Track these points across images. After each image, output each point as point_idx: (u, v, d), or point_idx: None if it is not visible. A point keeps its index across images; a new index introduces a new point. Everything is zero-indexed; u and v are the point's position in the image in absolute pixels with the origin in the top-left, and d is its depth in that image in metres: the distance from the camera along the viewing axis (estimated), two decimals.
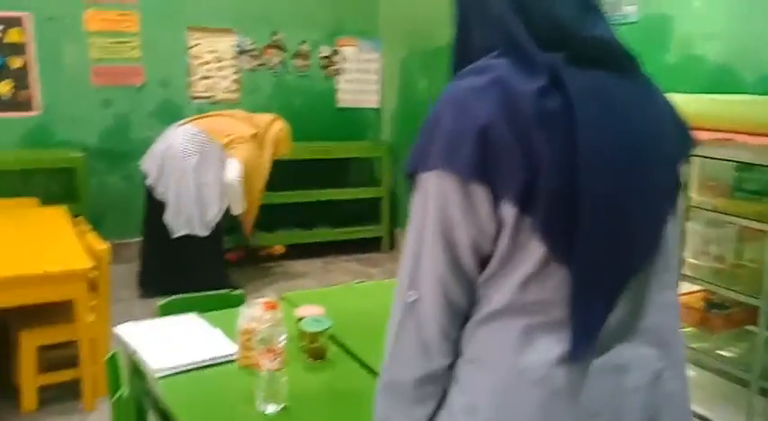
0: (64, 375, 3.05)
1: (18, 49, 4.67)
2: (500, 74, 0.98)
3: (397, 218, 5.68)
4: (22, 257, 2.96)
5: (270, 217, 5.05)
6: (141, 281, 4.59)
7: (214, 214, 4.37)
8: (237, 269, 4.85)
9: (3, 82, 4.67)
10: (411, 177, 1.06)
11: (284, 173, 5.06)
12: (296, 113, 5.08)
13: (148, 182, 4.34)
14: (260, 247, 5.23)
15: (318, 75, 5.63)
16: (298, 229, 5.42)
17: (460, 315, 1.05)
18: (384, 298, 2.43)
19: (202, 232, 4.37)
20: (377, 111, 5.83)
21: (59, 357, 3.11)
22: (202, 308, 2.27)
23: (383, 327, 2.19)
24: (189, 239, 4.35)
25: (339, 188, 5.57)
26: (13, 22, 4.63)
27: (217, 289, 4.08)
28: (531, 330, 1.00)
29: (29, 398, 2.96)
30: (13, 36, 4.64)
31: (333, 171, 5.64)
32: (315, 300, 2.22)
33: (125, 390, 1.68)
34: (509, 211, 0.97)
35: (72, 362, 3.04)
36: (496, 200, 0.97)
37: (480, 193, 0.97)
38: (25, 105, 4.76)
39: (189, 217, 4.32)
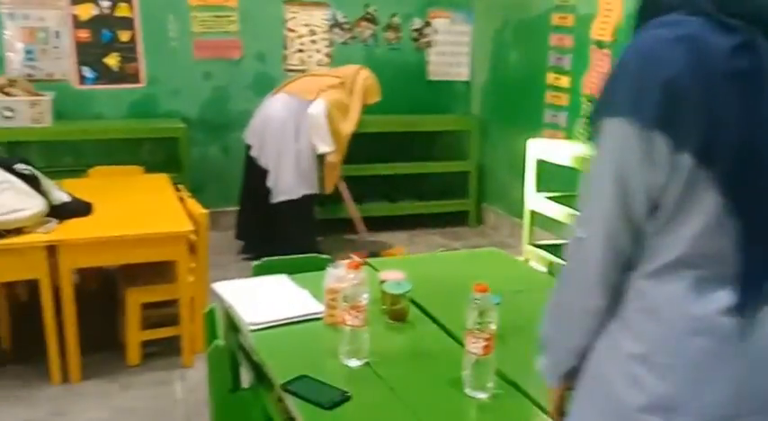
0: (165, 332, 3.27)
1: (126, 23, 4.93)
2: (692, 29, 1.02)
3: (485, 192, 5.67)
4: (129, 220, 3.17)
5: (357, 189, 5.15)
6: (240, 246, 4.82)
7: (311, 171, 4.47)
8: (326, 238, 4.99)
9: (111, 55, 4.95)
10: (595, 124, 1.10)
11: (373, 145, 5.14)
12: (386, 86, 5.12)
13: (252, 153, 4.50)
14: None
15: (409, 47, 5.65)
16: (385, 202, 5.50)
17: (624, 262, 1.10)
18: (465, 266, 2.50)
19: (303, 191, 4.45)
20: (467, 84, 5.80)
21: (161, 315, 3.33)
22: (292, 269, 2.39)
23: (463, 294, 2.24)
24: (284, 208, 4.48)
25: (427, 161, 5.60)
26: None
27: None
28: (701, 282, 1.05)
29: (133, 352, 3.19)
30: (121, 10, 4.90)
31: (422, 144, 5.67)
32: (397, 267, 2.29)
33: (221, 341, 1.81)
34: (686, 163, 1.01)
35: (172, 321, 3.25)
36: (675, 150, 1.01)
37: (660, 143, 1.01)
38: (132, 78, 5.03)
39: (290, 182, 4.44)
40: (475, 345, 1.53)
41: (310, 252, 4.32)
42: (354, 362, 1.72)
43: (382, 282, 2.04)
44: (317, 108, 4.40)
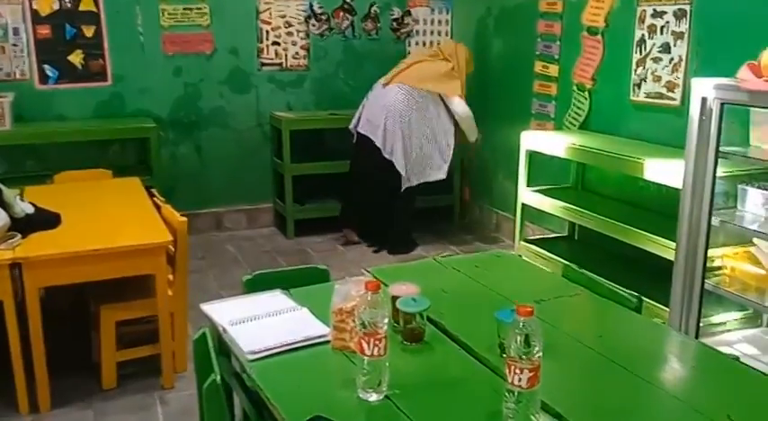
0: (143, 351, 3.01)
1: (90, 17, 4.61)
2: None
3: (469, 186, 5.48)
4: (100, 231, 2.90)
5: (335, 184, 4.93)
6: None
7: (448, 155, 4.72)
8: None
9: (75, 52, 4.64)
10: None
11: (347, 140, 4.91)
12: (365, 78, 4.91)
13: (377, 143, 4.55)
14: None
15: (389, 37, 5.43)
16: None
17: None
18: (476, 273, 2.31)
19: (440, 175, 4.72)
20: None
21: (138, 333, 3.08)
22: (288, 283, 2.18)
23: (477, 305, 2.05)
24: (398, 196, 4.64)
25: None
26: None
27: (405, 245, 4.76)
28: None
29: (108, 374, 2.93)
30: (86, 4, 4.59)
31: None
32: (402, 276, 2.09)
33: (217, 376, 1.58)
34: None
35: (150, 338, 3.00)
36: None
37: None
38: (98, 76, 4.73)
39: (420, 168, 4.63)
40: (519, 377, 1.32)
41: (409, 240, 4.84)
42: (374, 397, 1.51)
43: (394, 298, 1.82)
44: (461, 107, 4.68)
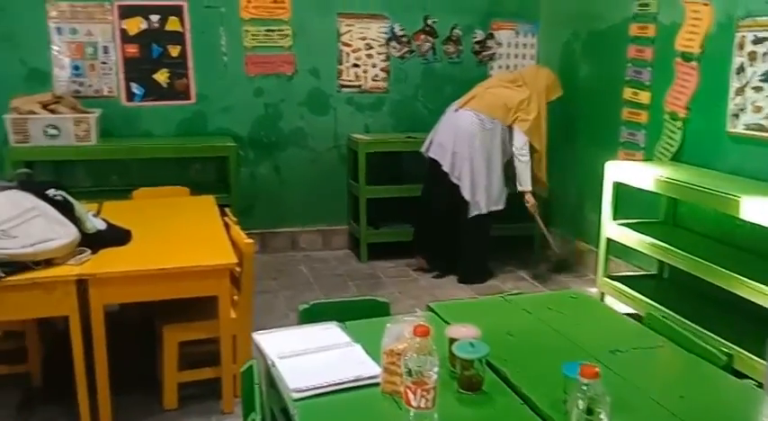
0: (204, 373, 2.98)
1: (176, 37, 4.73)
2: None
3: (551, 215, 5.26)
4: (168, 250, 2.90)
5: (414, 210, 4.83)
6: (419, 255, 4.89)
7: (499, 190, 4.56)
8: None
9: (161, 71, 4.76)
10: None
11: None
12: (445, 103, 4.80)
13: (444, 168, 4.47)
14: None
15: (471, 61, 5.31)
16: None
17: None
18: (547, 316, 2.14)
19: (499, 206, 4.57)
20: None
21: (202, 353, 3.05)
22: (344, 315, 2.08)
23: (546, 353, 1.87)
24: (469, 223, 4.51)
25: None
26: (173, 11, 4.70)
27: (478, 274, 4.63)
28: None
29: (170, 394, 2.91)
30: (172, 24, 4.71)
31: None
32: (465, 315, 1.95)
33: (257, 415, 1.49)
34: None
35: (213, 360, 2.96)
36: None
37: None
38: (181, 94, 4.83)
39: (488, 195, 4.50)
40: None
41: (484, 269, 4.66)
42: None
43: (452, 341, 1.69)
44: (518, 149, 4.48)
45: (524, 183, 4.54)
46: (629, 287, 3.82)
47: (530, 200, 4.61)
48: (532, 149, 4.53)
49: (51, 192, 2.76)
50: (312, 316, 2.10)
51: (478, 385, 1.63)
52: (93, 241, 2.78)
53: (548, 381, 1.64)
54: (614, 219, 3.94)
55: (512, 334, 1.97)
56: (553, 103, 4.73)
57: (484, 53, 5.32)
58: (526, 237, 5.23)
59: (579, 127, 4.93)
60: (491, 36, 5.31)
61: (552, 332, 2.01)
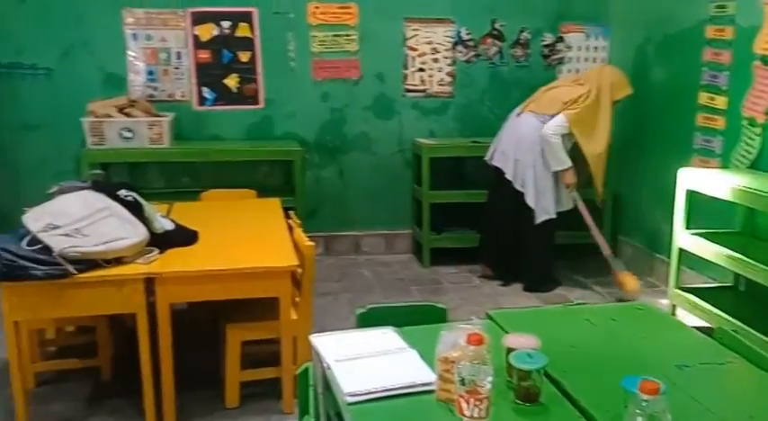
0: (266, 373, 3.02)
1: (246, 43, 4.84)
2: None
3: (621, 223, 5.12)
4: (232, 251, 2.95)
5: (474, 215, 4.78)
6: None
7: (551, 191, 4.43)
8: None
9: (231, 76, 4.87)
10: None
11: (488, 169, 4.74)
12: (512, 107, 4.72)
13: (507, 176, 4.42)
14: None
15: (539, 64, 5.22)
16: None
17: None
18: (610, 327, 2.08)
19: (566, 207, 4.47)
20: None
21: (265, 353, 3.10)
22: (402, 320, 2.07)
23: (607, 366, 1.82)
24: (533, 229, 4.43)
25: None
26: (243, 18, 4.80)
27: (543, 282, 4.54)
28: None
29: (232, 393, 2.97)
30: (242, 30, 4.82)
31: None
32: (526, 324, 1.91)
33: (311, 418, 1.49)
34: None
35: (275, 360, 3.00)
36: None
37: None
38: (250, 99, 4.93)
39: (549, 201, 4.40)
40: None
41: (549, 278, 4.56)
42: None
43: (509, 350, 1.66)
44: (550, 128, 4.29)
45: (558, 162, 4.32)
46: (703, 299, 3.67)
47: (569, 178, 4.38)
48: (581, 146, 4.36)
49: (123, 192, 2.86)
50: (370, 320, 2.10)
51: (536, 396, 1.59)
52: (161, 241, 2.86)
53: (608, 395, 1.59)
54: (687, 228, 3.80)
55: (574, 345, 1.92)
56: (623, 107, 4.60)
57: (553, 57, 5.23)
58: (597, 246, 5.09)
59: (651, 132, 4.77)
60: (560, 39, 5.21)
61: (616, 344, 1.95)
